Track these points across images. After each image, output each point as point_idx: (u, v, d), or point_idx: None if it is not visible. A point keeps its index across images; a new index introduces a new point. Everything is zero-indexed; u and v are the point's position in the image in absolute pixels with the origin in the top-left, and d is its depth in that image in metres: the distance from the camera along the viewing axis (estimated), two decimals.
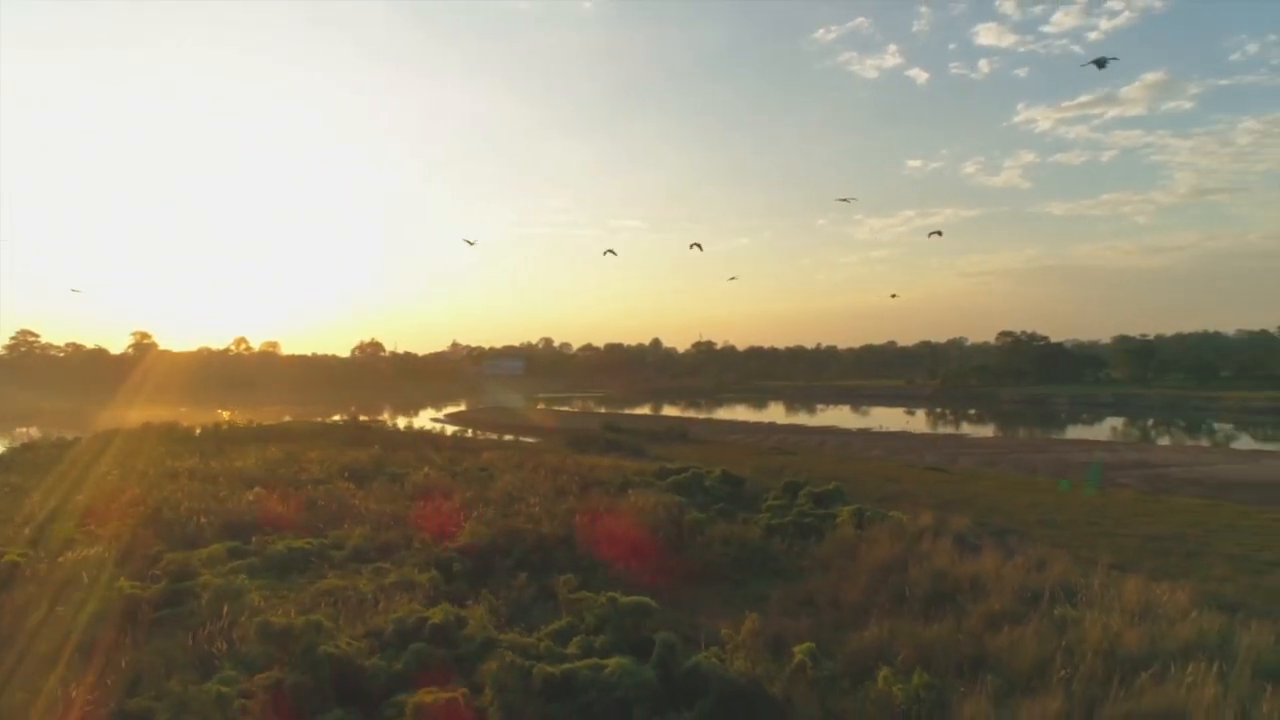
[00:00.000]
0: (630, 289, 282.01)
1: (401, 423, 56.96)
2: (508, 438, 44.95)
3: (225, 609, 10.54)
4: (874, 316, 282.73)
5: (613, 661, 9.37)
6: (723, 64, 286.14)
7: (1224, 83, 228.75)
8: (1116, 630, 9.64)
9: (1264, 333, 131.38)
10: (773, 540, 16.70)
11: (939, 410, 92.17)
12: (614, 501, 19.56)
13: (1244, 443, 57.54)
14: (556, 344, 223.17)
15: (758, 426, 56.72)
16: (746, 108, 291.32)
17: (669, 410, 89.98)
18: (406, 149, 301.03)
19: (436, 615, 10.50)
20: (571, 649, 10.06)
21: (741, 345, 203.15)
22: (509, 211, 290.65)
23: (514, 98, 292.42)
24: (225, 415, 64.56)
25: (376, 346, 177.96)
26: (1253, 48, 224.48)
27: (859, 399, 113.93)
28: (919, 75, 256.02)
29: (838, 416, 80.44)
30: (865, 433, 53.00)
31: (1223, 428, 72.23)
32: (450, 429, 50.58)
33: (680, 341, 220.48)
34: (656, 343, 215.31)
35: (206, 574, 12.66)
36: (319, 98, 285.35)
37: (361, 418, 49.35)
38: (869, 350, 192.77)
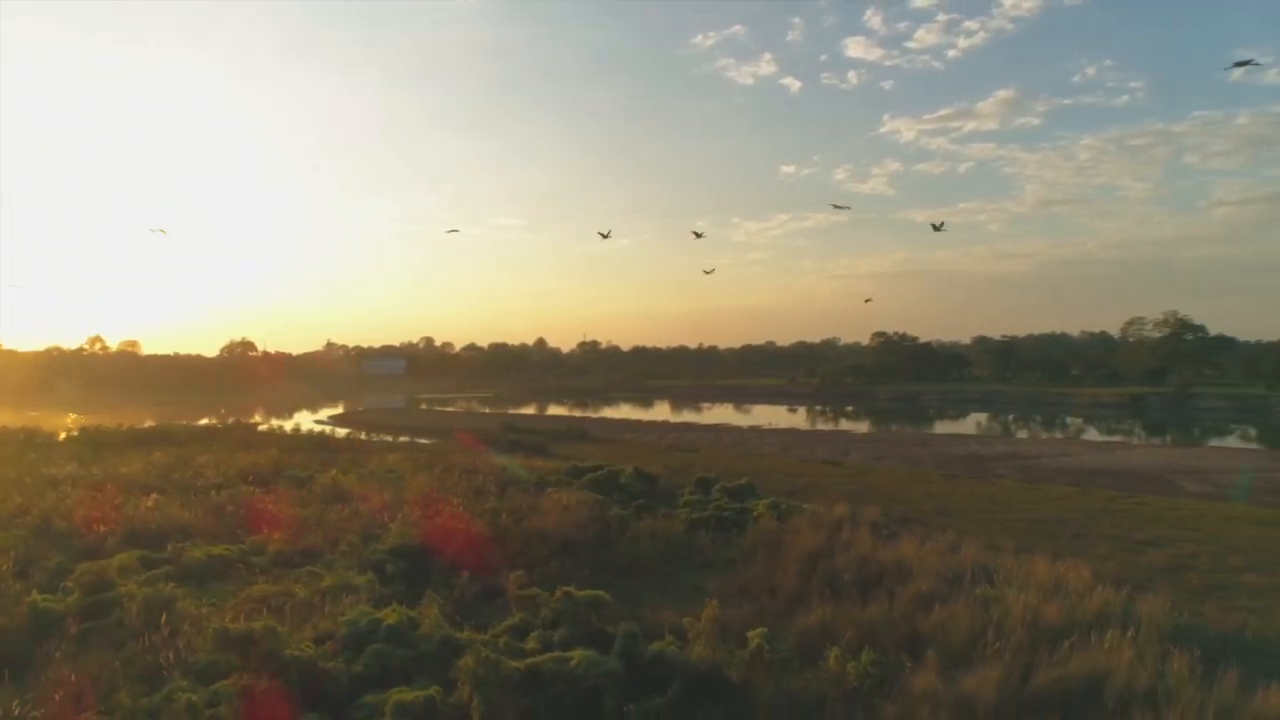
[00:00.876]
0: (513, 288, 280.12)
1: (276, 425, 54.61)
2: (403, 439, 44.00)
3: (164, 618, 10.11)
4: (752, 317, 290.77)
5: (576, 654, 9.57)
6: (604, 65, 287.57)
7: (1067, 102, 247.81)
8: (1036, 605, 10.53)
9: (1104, 334, 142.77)
10: (697, 534, 17.21)
11: (820, 408, 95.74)
12: (535, 500, 19.64)
13: (1092, 434, 62.68)
14: (438, 344, 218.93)
15: (654, 425, 57.51)
16: (627, 109, 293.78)
17: (556, 410, 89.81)
18: (280, 142, 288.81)
19: (390, 616, 10.41)
20: (530, 644, 10.19)
21: (626, 345, 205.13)
22: (389, 208, 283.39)
23: (395, 92, 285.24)
24: (73, 419, 60.37)
25: (247, 346, 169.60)
26: (1091, 71, 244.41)
27: (743, 397, 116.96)
28: (792, 84, 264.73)
29: (726, 415, 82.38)
30: (757, 430, 54.62)
31: (1074, 421, 78.28)
32: (341, 431, 48.95)
33: (565, 341, 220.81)
34: (541, 342, 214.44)
35: (128, 584, 12.07)
36: (191, 90, 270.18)
37: (232, 420, 47.25)
38: (749, 350, 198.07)
